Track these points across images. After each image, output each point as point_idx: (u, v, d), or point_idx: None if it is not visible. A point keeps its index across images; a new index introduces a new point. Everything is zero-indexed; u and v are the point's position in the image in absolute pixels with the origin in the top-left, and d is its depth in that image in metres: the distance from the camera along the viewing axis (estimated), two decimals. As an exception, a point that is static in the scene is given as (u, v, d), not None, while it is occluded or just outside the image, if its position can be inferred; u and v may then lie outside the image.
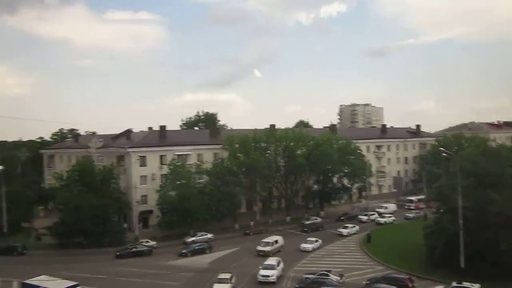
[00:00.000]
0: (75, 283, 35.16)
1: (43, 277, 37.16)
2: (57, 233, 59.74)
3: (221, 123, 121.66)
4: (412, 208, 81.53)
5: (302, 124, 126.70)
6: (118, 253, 54.69)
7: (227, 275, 41.44)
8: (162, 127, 78.46)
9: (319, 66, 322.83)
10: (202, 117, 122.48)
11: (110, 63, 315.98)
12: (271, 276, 43.04)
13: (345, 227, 65.82)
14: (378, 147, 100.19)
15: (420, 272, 44.81)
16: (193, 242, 59.81)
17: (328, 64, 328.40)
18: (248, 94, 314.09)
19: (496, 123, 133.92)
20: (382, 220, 72.55)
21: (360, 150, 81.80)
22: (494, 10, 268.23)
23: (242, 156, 70.64)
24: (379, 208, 79.01)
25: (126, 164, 70.64)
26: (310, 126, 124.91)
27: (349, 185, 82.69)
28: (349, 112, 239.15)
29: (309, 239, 58.05)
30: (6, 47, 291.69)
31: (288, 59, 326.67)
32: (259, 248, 54.06)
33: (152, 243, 59.93)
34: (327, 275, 42.04)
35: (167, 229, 63.64)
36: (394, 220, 73.31)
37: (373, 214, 75.21)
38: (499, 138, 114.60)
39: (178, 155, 72.56)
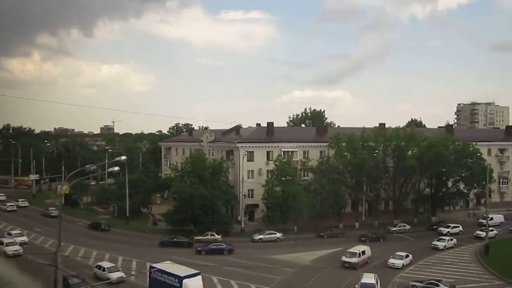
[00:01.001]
0: (197, 271, 36.47)
1: (168, 262, 39.36)
2: (171, 220, 64.33)
3: (328, 120, 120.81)
4: None
5: (414, 124, 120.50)
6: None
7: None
8: (270, 124, 79.92)
9: (435, 62, 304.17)
10: (309, 114, 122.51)
11: (222, 61, 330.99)
12: None
13: (441, 240, 58.72)
14: (502, 150, 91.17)
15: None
16: (260, 239, 60.12)
17: (445, 60, 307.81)
18: (357, 91, 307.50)
19: None
20: (482, 234, 62.01)
21: (480, 153, 74.82)
22: None
23: (349, 155, 69.14)
24: (482, 219, 70.21)
25: (235, 158, 73.32)
26: (423, 126, 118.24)
27: (465, 191, 76.43)
28: (468, 112, 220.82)
29: (398, 253, 50.38)
30: (132, 48, 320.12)
31: (401, 55, 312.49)
32: (345, 259, 48.40)
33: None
34: (437, 284, 39.51)
35: (271, 223, 64.86)
36: (496, 234, 63.40)
37: (456, 227, 66.62)
38: None
39: (284, 151, 73.42)
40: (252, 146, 73.13)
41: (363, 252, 49.77)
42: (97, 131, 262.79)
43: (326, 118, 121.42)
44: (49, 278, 33.64)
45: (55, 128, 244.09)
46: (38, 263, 39.30)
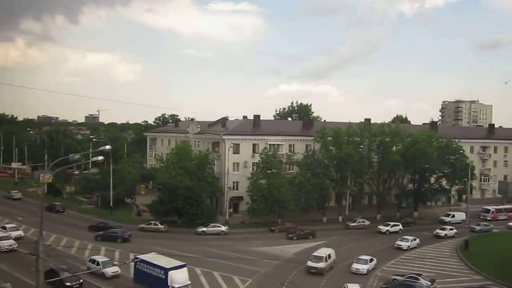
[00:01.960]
0: (183, 263, 36.34)
1: (153, 253, 39.10)
2: (155, 211, 64.18)
3: (314, 115, 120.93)
4: (489, 219, 73.41)
5: (400, 120, 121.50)
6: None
7: None
8: (256, 116, 79.90)
9: (421, 59, 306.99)
10: (296, 108, 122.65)
11: (210, 52, 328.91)
12: None
13: (404, 239, 55.90)
14: (484, 148, 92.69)
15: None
16: (203, 232, 59.56)
17: (432, 57, 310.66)
18: (344, 86, 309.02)
19: None
20: (442, 232, 61.94)
21: (462, 150, 76.01)
22: None
23: (334, 149, 69.61)
24: (444, 216, 72.05)
25: (221, 151, 73.23)
26: (408, 122, 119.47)
27: (447, 187, 77.64)
28: (452, 109, 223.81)
29: (362, 257, 46.26)
30: (119, 36, 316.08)
31: (388, 51, 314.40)
32: (311, 264, 43.88)
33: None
34: (418, 278, 40.12)
35: (255, 216, 65.07)
36: (456, 233, 62.05)
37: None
38: None
39: (270, 144, 73.54)
40: (238, 139, 73.06)
41: (329, 256, 45.39)
42: (81, 120, 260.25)
43: (312, 112, 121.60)
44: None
45: (38, 116, 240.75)
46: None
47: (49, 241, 47.59)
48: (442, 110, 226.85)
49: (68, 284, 35.10)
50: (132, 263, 37.67)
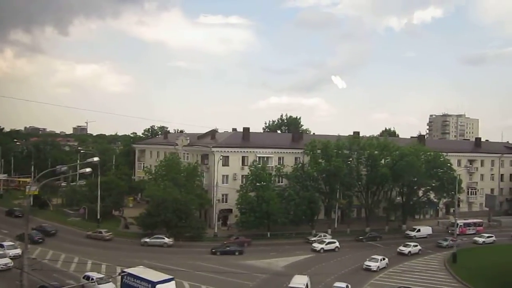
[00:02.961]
0: (170, 276, 35.87)
1: (141, 267, 38.56)
2: (143, 224, 63.36)
3: (304, 127, 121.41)
4: (457, 233, 71.01)
5: (388, 133, 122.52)
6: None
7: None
8: (246, 129, 79.95)
9: (409, 74, 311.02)
10: (285, 120, 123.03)
11: (200, 65, 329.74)
12: None
13: (373, 259, 51.43)
14: (471, 161, 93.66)
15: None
16: (146, 243, 58.84)
17: (419, 71, 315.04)
18: (333, 99, 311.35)
19: None
20: (405, 250, 58.93)
21: (450, 163, 76.75)
22: None
23: (323, 162, 69.79)
24: (410, 231, 70.79)
25: (210, 163, 72.98)
26: (397, 135, 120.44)
27: (435, 200, 78.14)
28: (440, 123, 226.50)
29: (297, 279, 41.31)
30: (109, 48, 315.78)
31: (376, 65, 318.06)
32: None
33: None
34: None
35: (245, 229, 64.72)
36: (420, 250, 59.92)
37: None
38: None
39: (260, 157, 73.51)
40: (228, 151, 72.94)
41: (307, 286, 40.52)
42: (69, 131, 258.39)
43: (302, 125, 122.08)
44: None
45: (26, 127, 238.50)
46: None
47: (34, 254, 46.77)
48: (430, 123, 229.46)
49: None
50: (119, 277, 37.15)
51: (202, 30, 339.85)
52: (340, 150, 71.17)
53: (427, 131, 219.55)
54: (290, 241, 63.97)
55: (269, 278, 46.30)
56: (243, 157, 73.73)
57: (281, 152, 76.47)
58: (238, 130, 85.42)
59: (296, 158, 76.06)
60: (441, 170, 74.18)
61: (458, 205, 77.50)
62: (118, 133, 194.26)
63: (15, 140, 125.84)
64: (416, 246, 60.53)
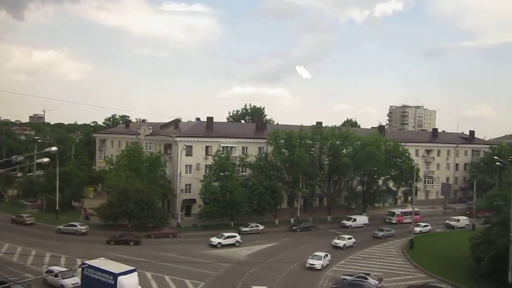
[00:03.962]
0: (132, 268, 35.35)
1: (102, 259, 37.79)
2: (104, 215, 62.06)
3: (267, 117, 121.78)
4: (394, 222, 72.69)
5: (350, 123, 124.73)
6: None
7: None
8: (209, 119, 79.47)
9: (371, 65, 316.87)
10: (249, 110, 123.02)
11: (163, 53, 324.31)
12: None
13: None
14: (428, 151, 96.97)
15: (464, 284, 43.22)
16: (60, 230, 57.84)
17: (380, 63, 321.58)
18: (296, 90, 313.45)
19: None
20: (340, 243, 56.44)
21: (408, 153, 79.29)
22: None
23: (286, 152, 70.42)
24: (346, 220, 70.44)
25: (173, 153, 72.25)
26: (358, 126, 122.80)
27: (394, 189, 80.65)
28: (399, 114, 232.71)
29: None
30: (67, 33, 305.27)
31: (339, 56, 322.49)
32: None
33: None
34: (366, 278, 41.33)
35: (208, 218, 64.65)
36: (355, 242, 57.58)
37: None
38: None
39: (223, 147, 73.36)
40: (191, 141, 72.34)
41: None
42: (25, 120, 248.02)
43: (265, 115, 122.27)
44: None
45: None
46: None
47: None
48: (390, 114, 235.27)
49: None
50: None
51: (165, 18, 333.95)
52: (303, 140, 71.97)
53: (387, 121, 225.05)
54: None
55: (232, 267, 46.52)
56: (206, 147, 73.36)
57: (244, 142, 76.58)
58: (202, 119, 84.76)
59: (259, 148, 76.41)
60: (400, 160, 76.58)
61: (416, 194, 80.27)
62: (77, 122, 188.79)
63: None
64: (351, 238, 57.76)
